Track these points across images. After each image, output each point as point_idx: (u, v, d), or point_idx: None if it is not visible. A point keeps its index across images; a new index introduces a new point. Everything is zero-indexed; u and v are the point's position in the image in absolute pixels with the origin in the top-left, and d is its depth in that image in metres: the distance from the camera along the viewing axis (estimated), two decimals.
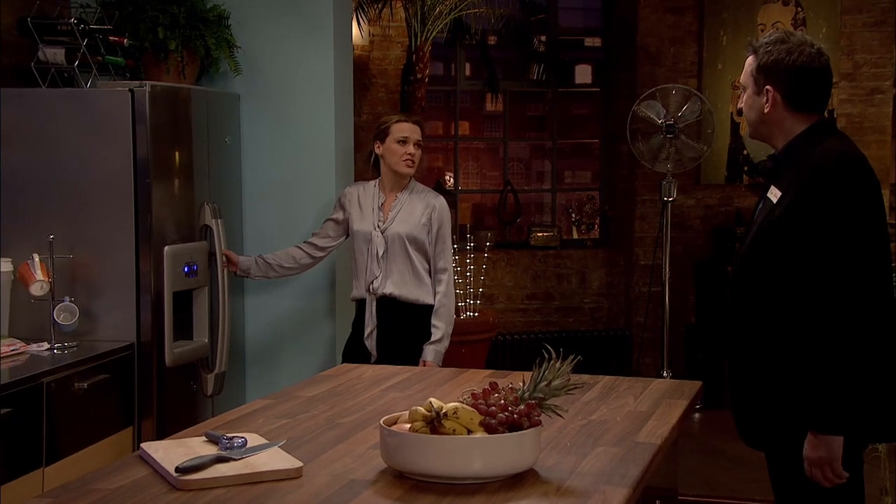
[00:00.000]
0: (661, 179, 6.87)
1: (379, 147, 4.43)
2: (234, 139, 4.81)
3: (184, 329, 4.37)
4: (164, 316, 4.14)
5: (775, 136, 2.78)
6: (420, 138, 4.42)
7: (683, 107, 6.77)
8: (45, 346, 3.91)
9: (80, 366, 3.78)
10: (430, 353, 4.29)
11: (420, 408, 2.12)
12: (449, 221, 4.44)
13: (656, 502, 2.48)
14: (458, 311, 6.77)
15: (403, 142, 4.37)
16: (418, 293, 4.36)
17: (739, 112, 2.89)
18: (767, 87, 2.74)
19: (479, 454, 2.08)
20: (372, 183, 4.49)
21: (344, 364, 3.48)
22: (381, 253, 4.34)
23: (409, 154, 4.36)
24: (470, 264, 6.77)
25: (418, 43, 6.35)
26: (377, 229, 4.35)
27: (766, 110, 2.75)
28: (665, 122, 6.75)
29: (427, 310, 4.37)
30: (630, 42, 7.63)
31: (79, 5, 4.61)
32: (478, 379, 3.10)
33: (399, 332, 4.32)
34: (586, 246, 7.87)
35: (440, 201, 4.41)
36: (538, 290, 7.61)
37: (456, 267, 6.78)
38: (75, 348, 3.91)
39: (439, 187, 7.65)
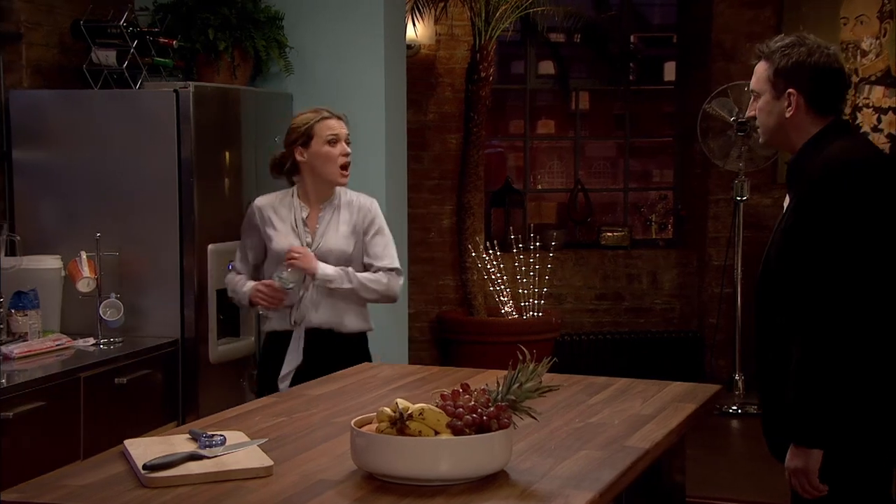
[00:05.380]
0: (734, 179, 6.74)
1: (302, 153, 3.63)
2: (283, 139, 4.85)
3: (232, 327, 4.43)
4: (208, 313, 4.21)
5: (793, 141, 2.70)
6: (348, 135, 3.73)
7: None
8: (91, 341, 4.00)
9: (120, 361, 3.85)
10: (329, 268, 3.60)
11: (387, 409, 2.11)
12: (382, 220, 3.80)
13: None
14: (519, 310, 6.73)
15: (334, 141, 3.63)
16: (355, 321, 3.69)
17: (750, 120, 2.81)
18: (790, 90, 2.65)
19: (444, 456, 2.06)
20: (287, 193, 3.73)
21: (364, 363, 3.48)
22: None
23: (345, 156, 3.64)
24: (535, 264, 6.72)
25: (482, 42, 6.33)
26: (304, 246, 3.62)
27: (788, 114, 2.66)
28: (737, 119, 6.60)
29: (363, 338, 3.76)
30: (705, 38, 7.47)
31: (137, 8, 4.72)
32: (493, 380, 3.06)
33: (332, 369, 3.49)
34: (658, 246, 7.75)
35: (370, 202, 3.77)
36: (608, 290, 7.52)
37: (520, 266, 6.74)
38: (120, 344, 3.99)
39: (508, 186, 7.62)
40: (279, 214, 3.67)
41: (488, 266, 6.67)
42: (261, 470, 2.16)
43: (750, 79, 6.38)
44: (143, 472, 2.11)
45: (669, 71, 8.31)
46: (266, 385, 3.62)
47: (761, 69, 2.70)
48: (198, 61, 4.66)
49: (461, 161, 6.84)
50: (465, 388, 2.17)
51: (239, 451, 2.26)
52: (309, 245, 3.62)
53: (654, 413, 2.68)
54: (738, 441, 6.31)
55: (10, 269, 3.97)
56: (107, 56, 4.39)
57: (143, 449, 2.26)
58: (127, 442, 2.34)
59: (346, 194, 3.73)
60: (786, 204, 2.70)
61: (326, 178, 3.64)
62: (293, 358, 3.61)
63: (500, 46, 7.52)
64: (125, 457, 2.28)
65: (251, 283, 3.65)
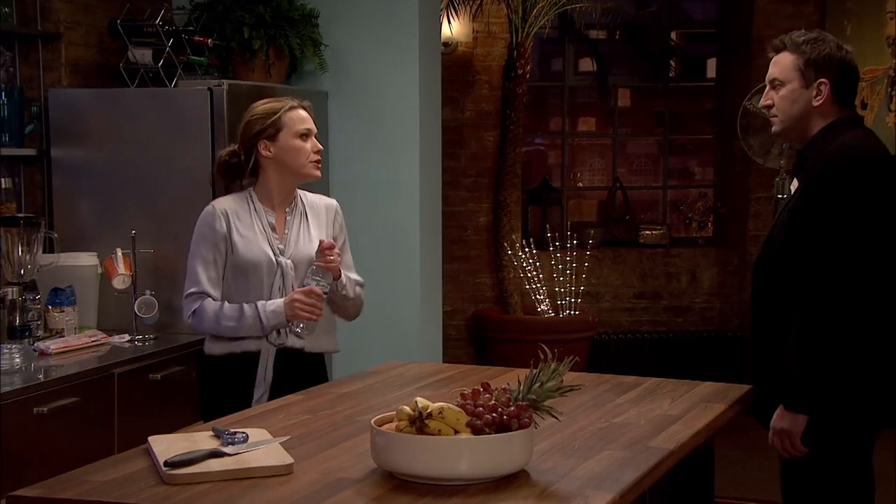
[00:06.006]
0: (774, 176, 6.66)
1: (268, 147, 3.19)
2: (320, 136, 4.85)
3: None
4: None
5: (810, 130, 2.87)
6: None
7: None
8: (126, 337, 4.03)
9: (154, 357, 3.87)
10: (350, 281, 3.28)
11: (406, 407, 2.11)
12: None
13: None
14: (556, 308, 6.69)
15: (306, 136, 3.22)
16: (327, 340, 3.32)
17: (766, 109, 2.97)
18: (822, 80, 2.84)
19: (463, 455, 2.05)
20: (243, 197, 3.26)
21: (394, 361, 3.48)
22: (293, 286, 3.17)
23: (317, 152, 3.24)
24: (572, 262, 6.69)
25: (519, 39, 6.31)
26: (279, 254, 3.20)
27: (816, 103, 2.84)
28: None
29: (322, 358, 3.35)
30: (746, 34, 7.39)
31: (174, 7, 4.76)
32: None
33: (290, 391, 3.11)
34: (697, 244, 7.68)
35: (335, 204, 3.39)
36: (646, 288, 7.46)
37: (556, 265, 6.71)
38: (154, 340, 4.02)
39: (545, 184, 7.59)
40: (242, 220, 3.20)
41: (524, 264, 6.65)
42: (281, 468, 2.16)
43: None
44: (163, 468, 2.12)
45: (712, 67, 8.24)
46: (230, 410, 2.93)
47: (787, 59, 2.88)
48: (233, 60, 4.69)
49: (498, 159, 6.82)
50: (486, 387, 2.16)
51: (260, 448, 2.26)
52: (281, 253, 3.20)
53: (682, 413, 2.65)
54: None
55: (48, 265, 4.01)
56: (143, 55, 4.43)
57: (165, 445, 2.28)
58: (151, 438, 2.36)
59: (306, 196, 3.34)
60: (793, 188, 2.92)
61: (298, 173, 3.22)
62: (262, 382, 3.19)
63: (541, 44, 7.49)
64: (149, 453, 2.30)
65: (276, 301, 3.14)
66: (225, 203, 3.22)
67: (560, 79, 7.96)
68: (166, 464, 2.12)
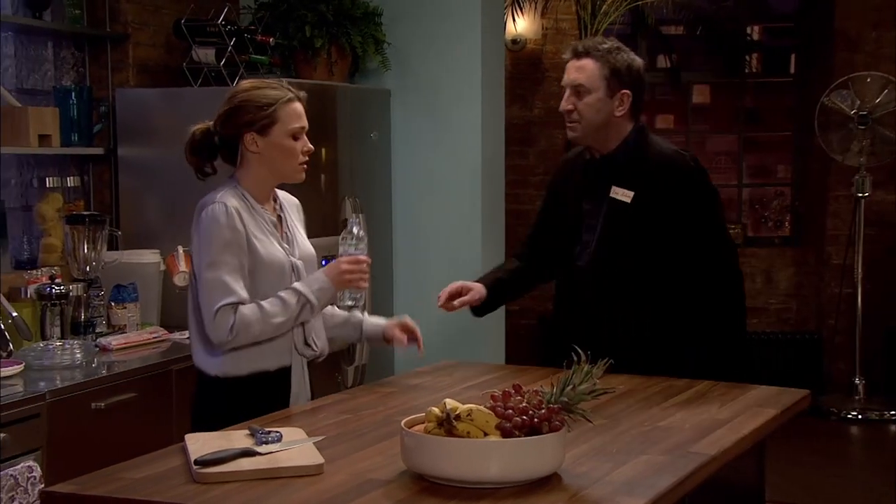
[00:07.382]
0: (854, 174, 6.49)
1: (255, 142, 2.81)
2: (383, 134, 4.86)
3: None
4: None
5: (609, 139, 3.03)
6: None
7: (880, 96, 6.35)
8: (187, 334, 4.06)
9: None
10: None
11: (435, 409, 2.07)
12: None
13: None
14: None
15: (298, 136, 2.83)
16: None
17: (567, 114, 3.04)
18: (625, 91, 2.99)
19: (491, 458, 2.00)
20: (236, 191, 2.84)
21: (446, 361, 3.45)
22: None
23: (307, 152, 2.85)
24: None
25: (588, 35, 6.24)
26: (290, 255, 2.87)
27: (618, 113, 3.00)
28: (858, 112, 6.36)
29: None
30: (827, 27, 7.19)
31: (241, 7, 4.80)
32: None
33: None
34: (773, 244, 7.50)
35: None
36: None
37: None
38: None
39: None
40: (247, 220, 2.78)
41: None
42: (311, 468, 2.14)
43: (873, 69, 6.50)
44: (194, 467, 2.12)
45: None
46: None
47: (593, 67, 2.97)
48: (296, 58, 4.71)
49: None
50: (518, 388, 2.12)
51: (293, 448, 2.25)
52: (290, 253, 2.87)
53: (730, 417, 2.57)
54: (856, 449, 6.08)
55: (112, 262, 4.06)
56: (206, 54, 4.47)
57: (200, 444, 2.27)
58: (187, 436, 2.36)
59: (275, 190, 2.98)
60: (626, 197, 2.99)
61: (282, 175, 2.85)
62: (301, 397, 2.91)
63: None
64: (184, 451, 2.30)
65: (315, 278, 2.81)
66: (232, 200, 2.77)
67: None
68: (197, 462, 2.12)
